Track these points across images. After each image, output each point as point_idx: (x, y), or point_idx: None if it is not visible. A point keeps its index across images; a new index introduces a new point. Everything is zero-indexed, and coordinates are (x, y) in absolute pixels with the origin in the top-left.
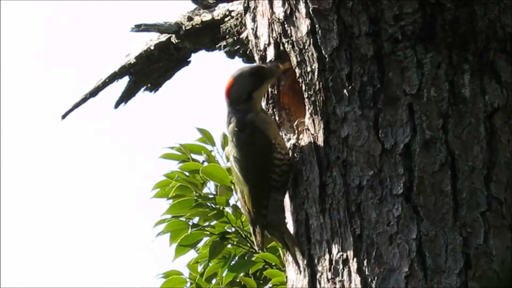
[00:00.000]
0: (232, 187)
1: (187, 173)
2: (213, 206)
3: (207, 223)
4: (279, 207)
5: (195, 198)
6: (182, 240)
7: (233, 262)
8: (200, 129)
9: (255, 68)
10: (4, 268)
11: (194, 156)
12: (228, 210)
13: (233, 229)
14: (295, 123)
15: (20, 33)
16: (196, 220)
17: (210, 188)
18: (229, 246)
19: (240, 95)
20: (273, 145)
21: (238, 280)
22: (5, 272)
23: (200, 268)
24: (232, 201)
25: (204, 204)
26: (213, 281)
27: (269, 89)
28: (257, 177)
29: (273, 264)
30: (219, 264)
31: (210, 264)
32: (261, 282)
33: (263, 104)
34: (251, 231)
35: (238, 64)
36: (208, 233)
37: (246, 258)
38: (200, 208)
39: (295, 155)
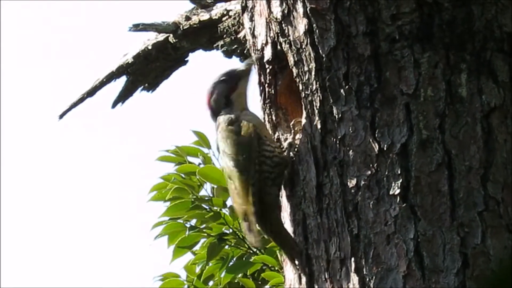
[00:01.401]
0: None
1: (183, 175)
2: (210, 208)
3: (204, 225)
4: (275, 203)
5: (192, 200)
6: (180, 242)
7: (231, 263)
8: (195, 132)
9: (225, 73)
10: (4, 268)
11: (191, 159)
12: (225, 211)
13: (231, 231)
14: (292, 123)
15: (20, 33)
16: (193, 222)
17: (207, 189)
18: (227, 247)
19: (219, 102)
20: (259, 136)
21: (236, 281)
22: (5, 272)
23: (197, 270)
24: (229, 203)
25: (201, 206)
26: (210, 283)
27: (266, 89)
28: (248, 170)
29: (271, 266)
30: (217, 265)
31: (208, 265)
32: (259, 283)
33: (249, 104)
34: (244, 227)
35: (235, 64)
36: (205, 234)
37: (244, 259)
38: (197, 210)
39: (291, 154)
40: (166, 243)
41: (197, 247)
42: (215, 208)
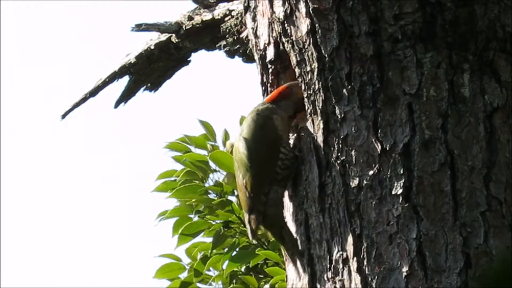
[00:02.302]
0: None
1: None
2: (219, 194)
3: (211, 212)
4: (280, 200)
5: (203, 185)
6: (185, 229)
7: (234, 253)
8: (202, 122)
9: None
10: (4, 268)
11: (197, 151)
12: (233, 199)
13: (236, 220)
14: (294, 123)
15: (20, 33)
16: (201, 209)
17: (212, 179)
18: (231, 238)
19: (287, 102)
20: (281, 139)
21: (238, 276)
22: (5, 272)
23: (199, 256)
24: (236, 191)
25: (210, 191)
26: (215, 273)
27: (269, 89)
28: (262, 162)
29: (274, 261)
30: (220, 255)
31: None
32: (261, 276)
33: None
34: (246, 219)
35: (238, 64)
36: (211, 222)
37: (248, 250)
38: (205, 195)
39: (296, 153)
40: (171, 233)
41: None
42: (224, 196)
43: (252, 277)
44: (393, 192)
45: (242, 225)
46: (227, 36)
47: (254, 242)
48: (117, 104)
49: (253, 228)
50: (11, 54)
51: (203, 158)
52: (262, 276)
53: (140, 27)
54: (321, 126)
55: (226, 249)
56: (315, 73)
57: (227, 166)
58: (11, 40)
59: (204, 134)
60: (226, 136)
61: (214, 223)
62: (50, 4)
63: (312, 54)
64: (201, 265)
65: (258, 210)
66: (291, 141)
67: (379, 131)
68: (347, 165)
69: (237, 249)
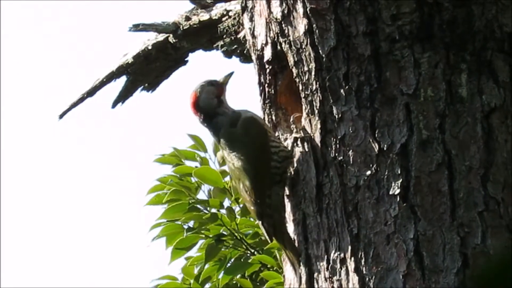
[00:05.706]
0: (234, 184)
1: (180, 177)
2: (207, 209)
3: (202, 227)
4: (281, 204)
5: (189, 202)
6: (177, 244)
7: (229, 265)
8: (192, 136)
9: (208, 80)
10: (4, 268)
11: (188, 163)
12: (223, 212)
13: (228, 232)
14: (291, 119)
15: (20, 33)
16: (191, 224)
17: (204, 191)
18: (224, 249)
19: (210, 101)
20: (267, 132)
21: (234, 282)
22: (5, 272)
23: (196, 271)
24: (226, 204)
25: (198, 207)
26: (208, 285)
27: (266, 89)
28: (258, 166)
29: (269, 266)
30: (215, 267)
31: (206, 267)
32: (258, 284)
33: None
34: (260, 224)
35: (235, 64)
36: (203, 236)
37: (242, 260)
38: (195, 211)
39: (295, 148)
40: (164, 245)
41: (195, 249)
42: (212, 210)
43: (247, 281)
44: (391, 192)
45: (234, 237)
46: (224, 36)
47: (248, 252)
48: (114, 104)
49: (268, 231)
50: (10, 54)
51: (192, 170)
52: (258, 283)
53: (138, 27)
54: (319, 126)
55: (220, 259)
56: (313, 73)
57: (212, 180)
58: (9, 40)
59: (193, 145)
60: (216, 146)
61: (205, 236)
62: (48, 4)
63: (309, 54)
64: (197, 285)
65: (267, 215)
66: (289, 141)
67: (377, 131)
68: (344, 165)
69: (231, 260)
